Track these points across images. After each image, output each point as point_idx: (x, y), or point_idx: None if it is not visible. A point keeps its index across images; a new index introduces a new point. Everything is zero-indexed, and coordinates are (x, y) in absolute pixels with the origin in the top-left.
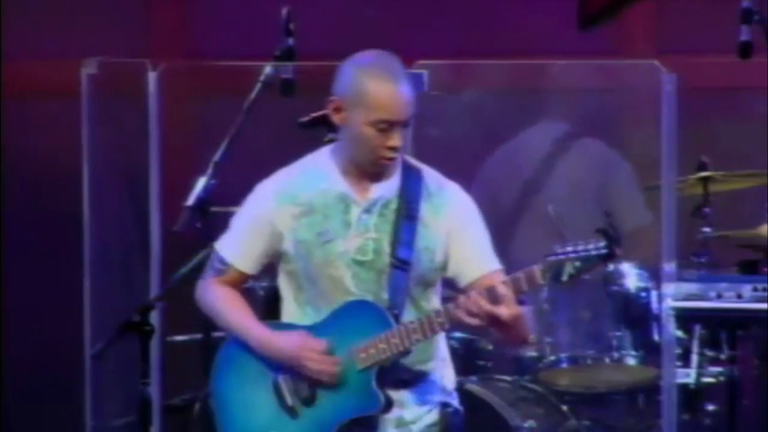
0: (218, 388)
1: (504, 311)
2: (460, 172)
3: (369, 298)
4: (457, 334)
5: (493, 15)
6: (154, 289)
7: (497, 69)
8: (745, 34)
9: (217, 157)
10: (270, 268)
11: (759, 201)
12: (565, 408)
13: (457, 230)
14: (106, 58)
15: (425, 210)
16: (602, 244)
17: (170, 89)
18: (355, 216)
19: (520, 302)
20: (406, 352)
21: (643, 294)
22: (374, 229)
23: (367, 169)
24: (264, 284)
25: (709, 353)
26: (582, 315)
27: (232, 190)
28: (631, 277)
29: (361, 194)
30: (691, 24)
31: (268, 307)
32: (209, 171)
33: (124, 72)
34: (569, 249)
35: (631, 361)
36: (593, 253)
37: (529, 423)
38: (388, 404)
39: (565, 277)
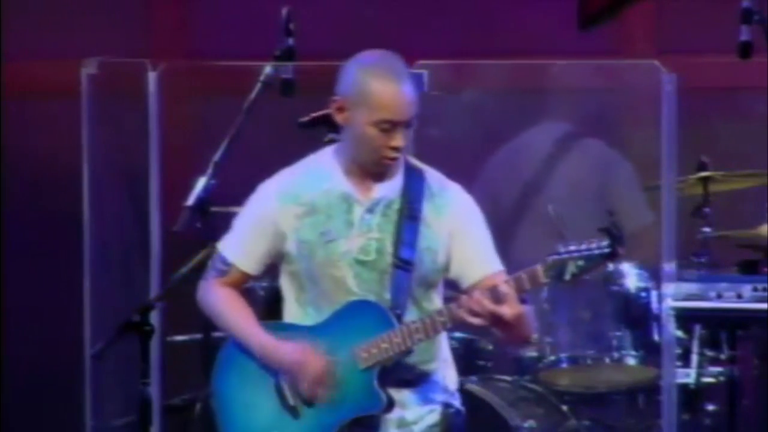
0: (220, 388)
1: (507, 310)
2: (460, 172)
3: (371, 298)
4: (457, 334)
5: (493, 15)
6: (154, 289)
7: (497, 69)
8: (745, 34)
9: (217, 157)
10: (270, 268)
11: (759, 201)
12: (565, 408)
13: (459, 231)
14: (106, 58)
15: (427, 210)
16: (605, 243)
17: (170, 89)
18: (357, 216)
19: (522, 301)
20: (408, 352)
21: (643, 294)
22: (377, 229)
23: (369, 169)
24: (264, 284)
25: (709, 353)
26: (582, 315)
27: (232, 190)
28: (631, 277)
29: (363, 194)
30: (691, 24)
31: (268, 308)
32: (209, 171)
33: (124, 72)
34: (572, 248)
35: (631, 361)
36: (596, 252)
37: (529, 423)
38: (390, 404)
39: (567, 276)
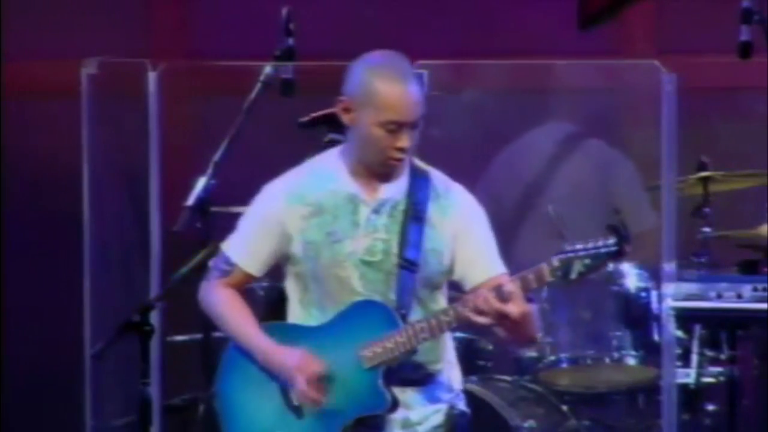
0: (223, 388)
1: (513, 309)
2: (460, 173)
3: (376, 298)
4: (458, 334)
5: (493, 15)
6: (154, 289)
7: (497, 69)
8: (745, 34)
9: (217, 157)
10: (271, 269)
11: (759, 201)
12: (565, 408)
13: (463, 232)
14: (106, 58)
15: (432, 211)
16: (611, 241)
17: (170, 89)
18: (363, 216)
19: (528, 300)
20: (413, 352)
21: (643, 294)
22: (384, 230)
23: (375, 170)
24: (264, 285)
25: (709, 353)
26: (582, 315)
27: (232, 190)
28: (631, 277)
29: (369, 194)
30: (691, 24)
31: (269, 308)
32: (209, 171)
33: (124, 72)
34: (579, 247)
35: (631, 361)
36: (603, 250)
37: (529, 423)
38: (395, 404)
39: (574, 275)
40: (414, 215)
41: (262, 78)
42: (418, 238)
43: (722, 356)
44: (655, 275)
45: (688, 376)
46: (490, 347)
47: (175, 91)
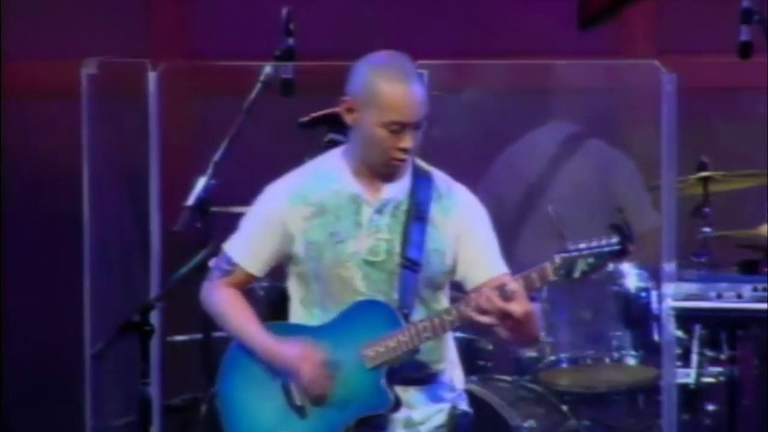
0: (225, 388)
1: (516, 308)
2: (460, 173)
3: (379, 298)
4: (458, 334)
5: (493, 15)
6: (154, 289)
7: (497, 69)
8: (745, 34)
9: (217, 157)
10: (271, 269)
11: (759, 201)
12: (565, 408)
13: (465, 232)
14: (106, 58)
15: (435, 211)
16: (615, 240)
17: (170, 89)
18: (366, 216)
19: (532, 299)
20: (416, 351)
21: (643, 294)
22: (386, 230)
23: (378, 170)
24: (264, 285)
25: (709, 353)
26: (582, 315)
27: (232, 190)
28: (631, 277)
29: (372, 195)
30: (691, 24)
31: (270, 308)
32: (209, 171)
33: (124, 72)
34: (582, 246)
35: (631, 361)
36: (606, 249)
37: (529, 423)
38: (397, 404)
39: (577, 274)
40: (416, 215)
41: (262, 78)
42: (420, 238)
43: (722, 356)
44: (655, 275)
45: (688, 376)
46: (490, 347)
47: (175, 91)
